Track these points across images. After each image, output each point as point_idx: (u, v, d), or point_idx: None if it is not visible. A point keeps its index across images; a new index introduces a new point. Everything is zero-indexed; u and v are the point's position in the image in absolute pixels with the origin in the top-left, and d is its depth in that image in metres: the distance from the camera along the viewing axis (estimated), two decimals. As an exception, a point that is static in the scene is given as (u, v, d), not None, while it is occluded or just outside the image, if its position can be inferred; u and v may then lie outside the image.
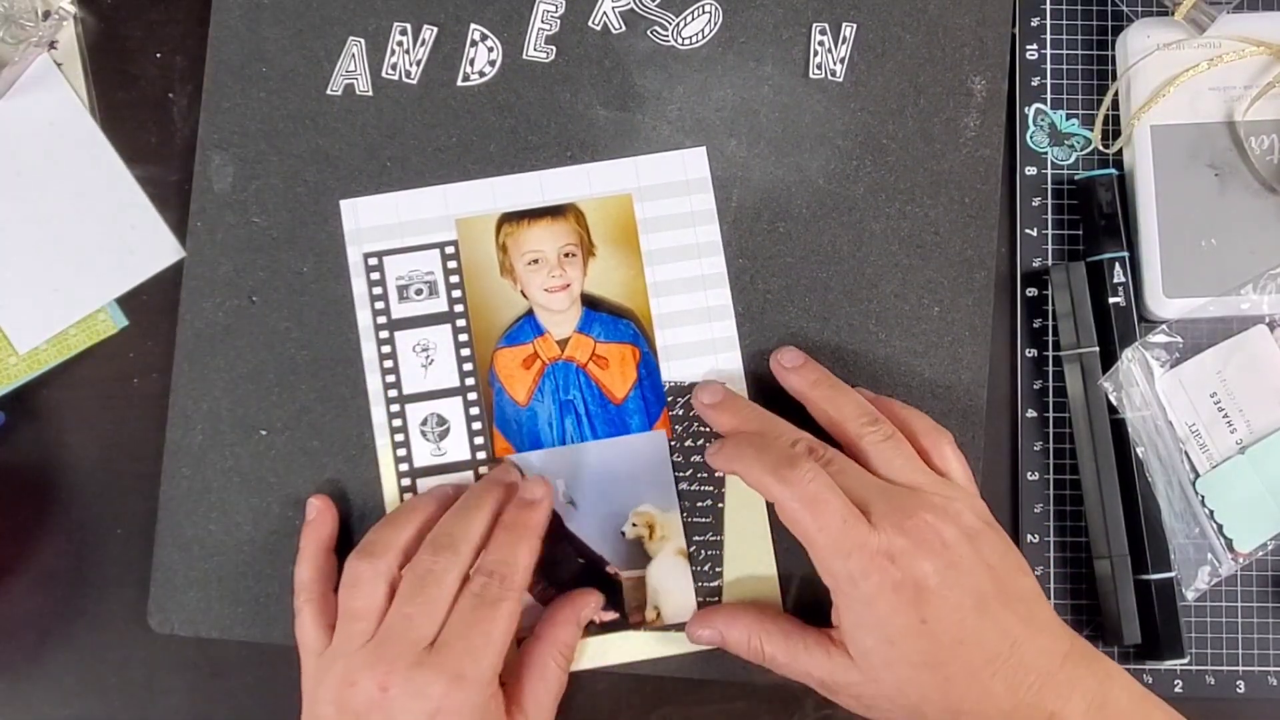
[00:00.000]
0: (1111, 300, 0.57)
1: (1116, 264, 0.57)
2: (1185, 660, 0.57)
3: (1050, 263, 0.59)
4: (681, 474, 0.58)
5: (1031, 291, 0.60)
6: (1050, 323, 0.59)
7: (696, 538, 0.58)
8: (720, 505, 0.58)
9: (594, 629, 0.57)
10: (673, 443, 0.58)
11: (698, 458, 0.58)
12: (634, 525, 0.58)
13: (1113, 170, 0.59)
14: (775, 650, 0.53)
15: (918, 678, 0.49)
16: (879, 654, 0.49)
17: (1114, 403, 0.57)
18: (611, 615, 0.57)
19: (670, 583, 0.58)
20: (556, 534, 0.58)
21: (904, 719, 0.51)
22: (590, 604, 0.56)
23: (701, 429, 0.58)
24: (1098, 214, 0.58)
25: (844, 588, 0.49)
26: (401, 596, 0.52)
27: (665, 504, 0.58)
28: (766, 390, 0.58)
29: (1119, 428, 0.57)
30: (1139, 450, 0.56)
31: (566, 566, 0.58)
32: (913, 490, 0.51)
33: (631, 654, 0.58)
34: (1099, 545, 0.57)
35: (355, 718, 0.50)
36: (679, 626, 0.57)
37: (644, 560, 0.58)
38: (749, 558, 0.58)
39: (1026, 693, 0.48)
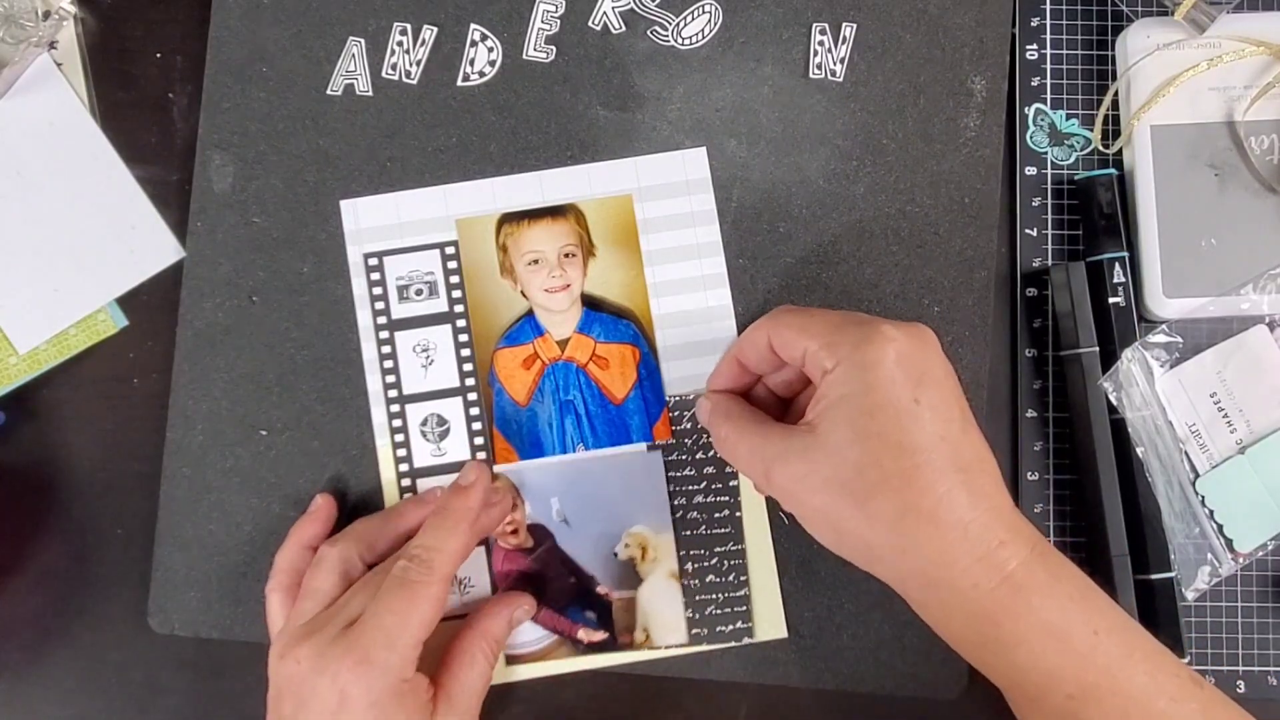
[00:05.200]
0: (1111, 300, 0.57)
1: (1116, 264, 0.57)
2: (1185, 660, 0.57)
3: (1051, 262, 0.59)
4: (695, 486, 0.58)
5: (1031, 291, 0.60)
6: (1050, 323, 0.59)
7: (718, 549, 0.57)
8: (739, 514, 0.58)
9: (583, 649, 0.57)
10: (680, 455, 0.58)
11: (710, 468, 0.58)
12: (626, 546, 0.58)
13: (1113, 170, 0.59)
14: (731, 426, 0.52)
15: (884, 460, 0.46)
16: (854, 424, 0.47)
17: (1114, 403, 0.57)
18: (601, 635, 0.57)
19: (661, 605, 0.57)
20: (548, 551, 0.58)
21: (836, 511, 0.47)
22: (523, 605, 0.56)
23: (708, 440, 0.58)
24: (1098, 214, 0.58)
25: (843, 354, 0.48)
26: (355, 584, 0.53)
27: (659, 525, 0.58)
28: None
29: (1119, 428, 0.57)
30: (1139, 450, 0.56)
31: (557, 584, 0.58)
32: None
33: (621, 658, 0.58)
34: (1099, 545, 0.57)
35: (278, 690, 0.51)
36: (670, 648, 0.57)
37: (635, 582, 0.58)
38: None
39: (983, 513, 0.46)
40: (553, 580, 0.58)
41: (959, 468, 0.46)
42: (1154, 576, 0.56)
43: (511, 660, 0.57)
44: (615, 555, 0.58)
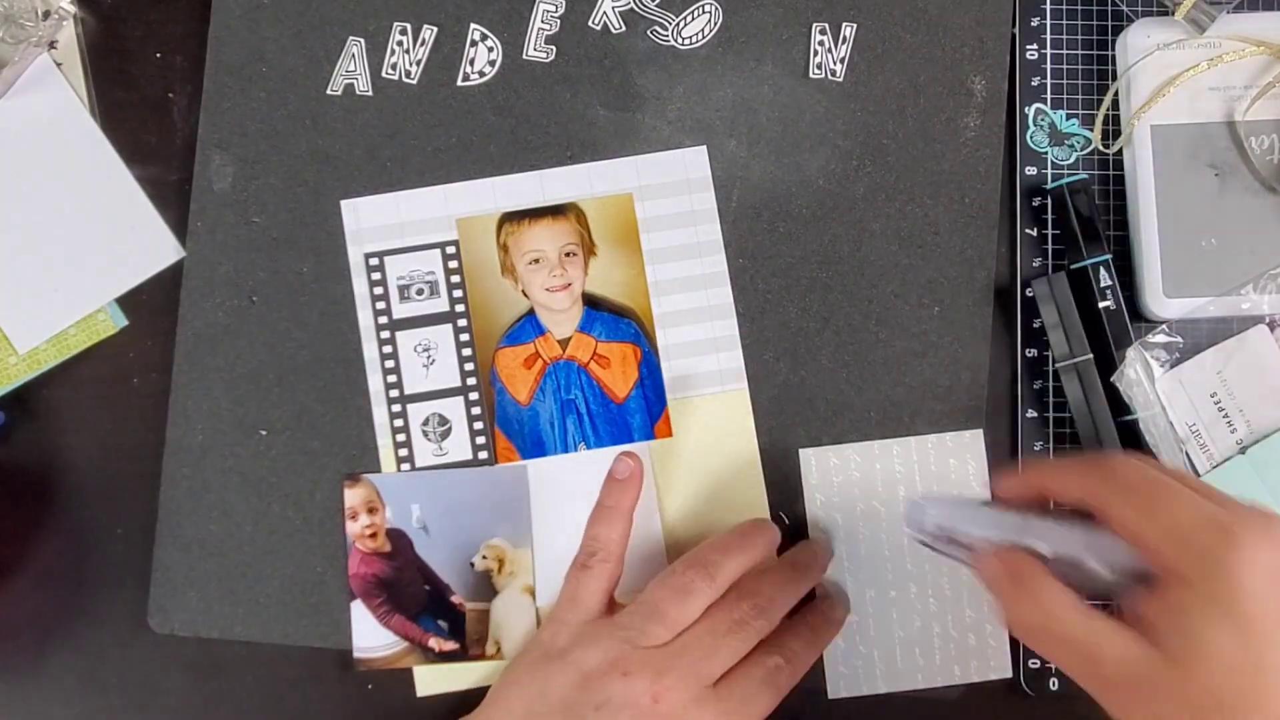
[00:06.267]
0: (1101, 305, 0.57)
1: (1101, 268, 0.57)
2: None
3: (1050, 262, 0.59)
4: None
5: (1031, 291, 0.60)
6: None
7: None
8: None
9: (433, 657, 0.57)
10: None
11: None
12: (484, 557, 0.58)
13: (1082, 174, 0.59)
14: (1040, 610, 0.45)
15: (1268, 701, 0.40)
16: (1223, 648, 0.40)
17: (1127, 400, 0.56)
18: (451, 645, 0.57)
19: (514, 619, 0.57)
20: (405, 558, 0.57)
21: None
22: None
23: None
24: (1075, 220, 0.58)
25: (1200, 565, 0.41)
26: (712, 628, 0.52)
27: (518, 539, 0.58)
28: (766, 390, 0.58)
29: (1124, 430, 0.57)
30: (1154, 449, 0.56)
31: (412, 591, 0.57)
32: None
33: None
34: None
35: (604, 701, 0.50)
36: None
37: (490, 594, 0.58)
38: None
39: None
40: (407, 587, 0.57)
41: None
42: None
43: (359, 663, 0.57)
44: (472, 566, 0.58)
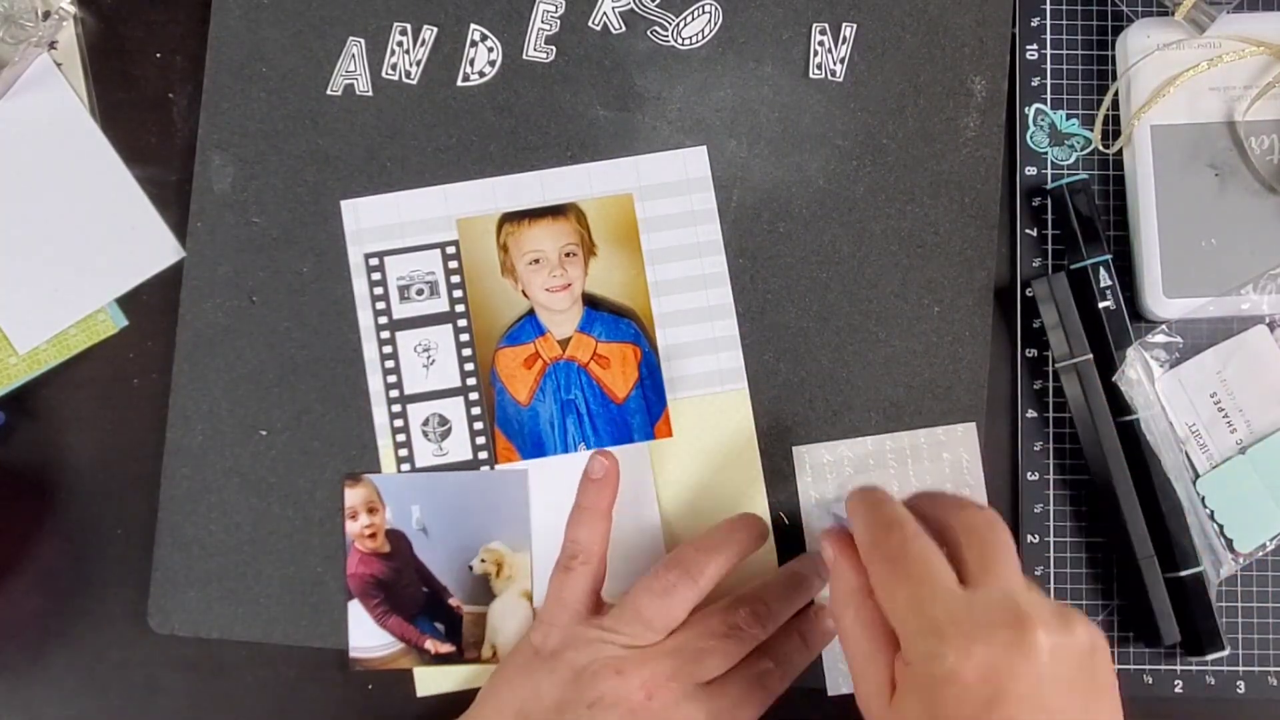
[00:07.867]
0: (1101, 305, 0.57)
1: (1101, 268, 0.57)
2: (1227, 652, 0.57)
3: (1050, 262, 0.59)
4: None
5: (1031, 291, 0.60)
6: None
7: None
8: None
9: (429, 659, 0.57)
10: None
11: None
12: (482, 561, 0.58)
13: (1082, 174, 0.59)
14: (859, 627, 0.45)
15: None
16: None
17: (1128, 401, 0.56)
18: (448, 648, 0.57)
19: (511, 623, 0.57)
20: (404, 559, 0.58)
21: None
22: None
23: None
24: (1076, 220, 0.58)
25: (917, 665, 0.42)
26: (708, 630, 0.52)
27: (517, 543, 0.58)
28: (766, 390, 0.58)
29: (1125, 429, 0.57)
30: (1155, 448, 0.56)
31: (410, 593, 0.57)
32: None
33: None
34: (1124, 549, 0.57)
35: (597, 698, 0.50)
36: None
37: (488, 597, 0.58)
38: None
39: None
40: (405, 588, 0.57)
41: None
42: (1183, 573, 0.56)
43: (355, 663, 0.57)
44: (470, 569, 0.58)
